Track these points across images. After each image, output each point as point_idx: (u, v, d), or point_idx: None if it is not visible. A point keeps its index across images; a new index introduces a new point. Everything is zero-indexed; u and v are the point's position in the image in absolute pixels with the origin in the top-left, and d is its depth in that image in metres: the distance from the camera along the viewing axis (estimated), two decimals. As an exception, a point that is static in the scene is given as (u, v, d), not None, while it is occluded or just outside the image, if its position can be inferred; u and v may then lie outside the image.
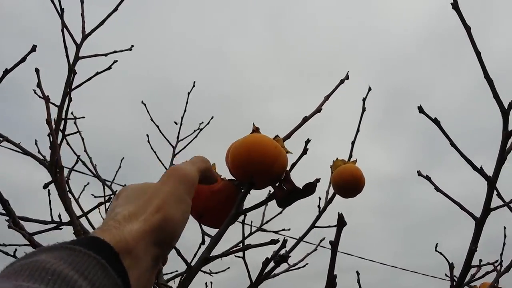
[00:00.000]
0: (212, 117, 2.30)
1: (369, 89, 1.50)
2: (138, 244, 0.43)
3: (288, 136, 0.78)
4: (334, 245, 0.57)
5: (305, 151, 0.72)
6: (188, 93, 2.25)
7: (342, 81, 0.99)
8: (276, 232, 2.03)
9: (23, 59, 1.11)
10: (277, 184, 0.70)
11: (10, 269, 0.34)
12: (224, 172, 0.74)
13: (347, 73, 1.00)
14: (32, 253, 0.36)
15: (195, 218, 0.71)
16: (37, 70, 1.22)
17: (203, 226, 0.74)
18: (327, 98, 0.93)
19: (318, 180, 0.70)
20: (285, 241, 0.93)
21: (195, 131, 2.27)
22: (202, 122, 2.29)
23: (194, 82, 2.28)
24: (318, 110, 0.88)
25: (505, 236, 1.40)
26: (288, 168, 0.71)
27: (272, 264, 1.08)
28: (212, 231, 0.72)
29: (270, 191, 0.72)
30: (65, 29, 1.35)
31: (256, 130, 0.72)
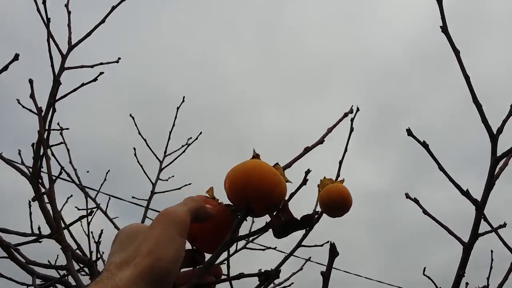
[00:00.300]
0: (201, 133, 2.28)
1: (357, 109, 1.50)
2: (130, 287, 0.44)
3: (289, 166, 0.76)
4: (326, 276, 0.54)
5: (304, 181, 0.69)
6: (177, 108, 2.23)
7: (346, 115, 0.99)
8: (263, 249, 2.00)
9: (5, 68, 1.09)
10: (274, 213, 0.67)
11: None
12: (222, 197, 0.72)
13: (351, 107, 1.02)
14: None
15: (188, 241, 0.68)
16: (31, 81, 1.20)
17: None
18: (330, 130, 0.92)
19: (316, 213, 0.68)
20: (278, 271, 0.90)
21: (183, 146, 2.25)
22: (191, 138, 2.27)
23: (184, 97, 2.26)
24: (320, 141, 0.86)
25: (492, 259, 1.39)
26: (286, 198, 0.68)
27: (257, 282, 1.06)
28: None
29: (266, 221, 0.69)
30: (51, 39, 1.33)
31: (256, 156, 0.70)
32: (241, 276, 0.65)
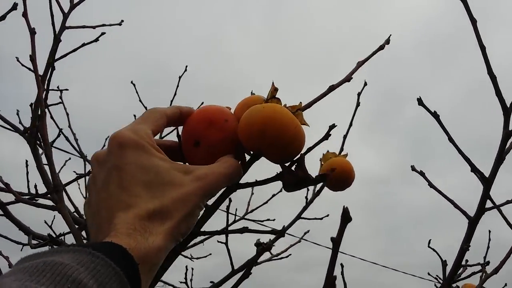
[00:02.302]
0: (202, 103, 2.24)
1: (365, 84, 1.46)
2: (159, 255, 0.45)
3: (309, 105, 0.68)
4: (337, 242, 0.51)
5: (326, 136, 0.65)
6: (179, 77, 2.19)
7: (382, 47, 0.83)
8: (261, 222, 1.99)
9: (2, 17, 1.05)
10: (287, 164, 0.63)
11: (29, 266, 0.35)
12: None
13: (389, 37, 0.84)
14: (54, 250, 0.38)
15: (191, 145, 0.63)
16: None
17: None
18: (360, 64, 0.79)
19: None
20: (284, 229, 0.87)
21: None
22: (192, 108, 2.23)
23: (186, 66, 2.21)
24: (348, 78, 0.75)
25: (489, 239, 1.39)
26: (303, 151, 0.63)
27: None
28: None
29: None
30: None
31: (274, 92, 0.63)
32: (244, 230, 0.64)
